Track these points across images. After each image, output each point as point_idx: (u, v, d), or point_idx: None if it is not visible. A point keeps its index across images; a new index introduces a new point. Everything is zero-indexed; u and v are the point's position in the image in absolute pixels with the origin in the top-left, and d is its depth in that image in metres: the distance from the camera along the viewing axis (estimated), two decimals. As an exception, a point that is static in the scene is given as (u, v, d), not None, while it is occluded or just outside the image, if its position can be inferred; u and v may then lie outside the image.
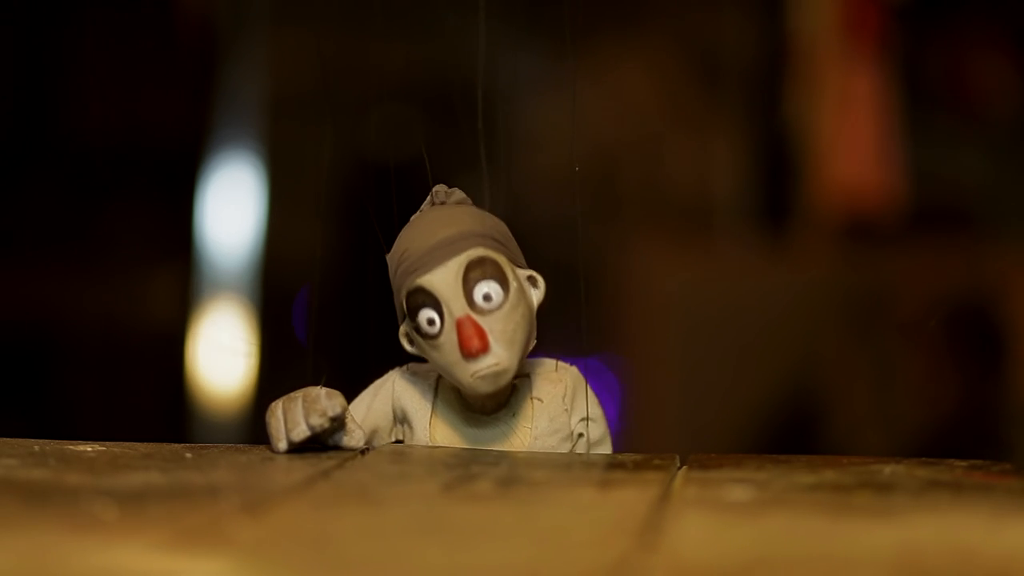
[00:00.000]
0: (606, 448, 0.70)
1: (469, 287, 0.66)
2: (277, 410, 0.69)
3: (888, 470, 0.66)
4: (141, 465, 0.65)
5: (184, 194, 1.73)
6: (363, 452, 0.70)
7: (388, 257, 0.68)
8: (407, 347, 0.69)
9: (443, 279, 0.66)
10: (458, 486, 0.61)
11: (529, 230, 1.73)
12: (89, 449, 0.69)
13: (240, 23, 1.76)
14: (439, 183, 0.70)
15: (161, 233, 1.75)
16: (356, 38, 1.79)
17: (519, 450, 0.69)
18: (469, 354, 0.65)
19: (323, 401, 0.68)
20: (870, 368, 1.79)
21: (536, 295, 0.68)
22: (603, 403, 0.73)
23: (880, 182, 1.75)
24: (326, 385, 0.70)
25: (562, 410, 0.69)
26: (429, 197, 0.69)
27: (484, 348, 0.65)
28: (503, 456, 0.69)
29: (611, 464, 0.68)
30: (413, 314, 0.66)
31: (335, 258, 1.78)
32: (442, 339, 0.66)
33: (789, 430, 1.78)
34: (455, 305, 0.66)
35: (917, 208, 1.76)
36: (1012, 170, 1.79)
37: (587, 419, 0.70)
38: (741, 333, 1.72)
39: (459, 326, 0.65)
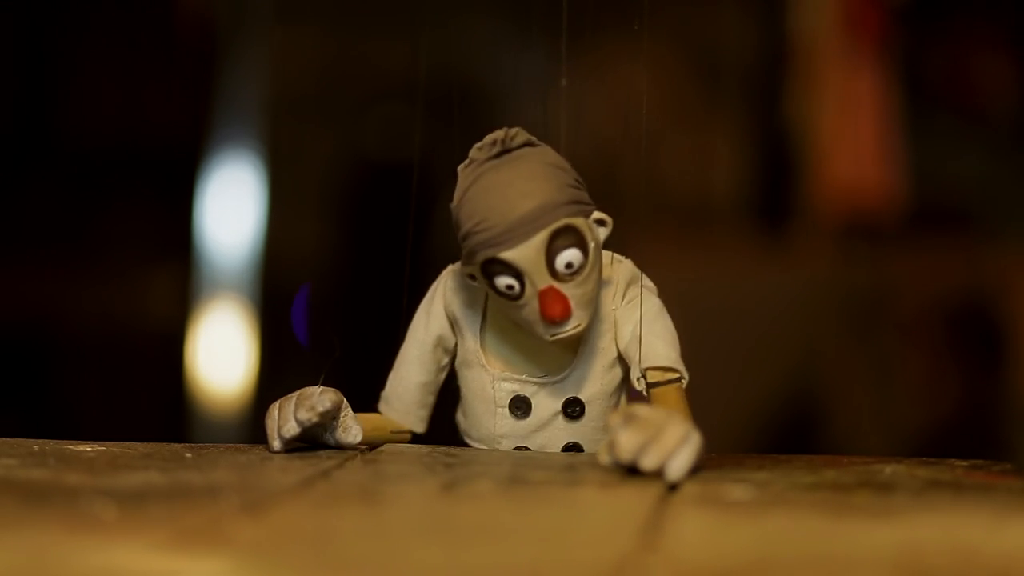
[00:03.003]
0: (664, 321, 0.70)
1: (552, 257, 0.66)
2: (273, 410, 0.69)
3: (888, 470, 0.66)
4: (141, 465, 0.65)
5: (184, 194, 1.72)
6: (363, 451, 0.70)
7: (455, 212, 0.67)
8: (470, 282, 0.68)
9: (526, 255, 0.65)
10: (458, 486, 0.61)
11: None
12: (89, 449, 0.69)
13: (240, 23, 1.76)
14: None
15: (161, 233, 1.75)
16: (356, 38, 1.79)
17: (567, 366, 0.69)
18: (552, 321, 0.66)
19: (314, 397, 0.68)
20: (870, 368, 1.79)
21: (604, 233, 0.68)
22: None
23: (880, 182, 1.75)
24: (325, 383, 0.70)
25: (610, 310, 0.69)
26: (492, 141, 0.67)
27: (567, 315, 0.66)
28: (504, 456, 0.69)
29: (611, 464, 0.68)
30: (490, 277, 0.66)
31: (335, 258, 1.78)
32: (522, 302, 0.66)
33: (789, 430, 1.78)
34: (538, 277, 0.66)
35: (917, 208, 1.76)
36: (1012, 170, 1.79)
37: (640, 321, 0.69)
38: (741, 333, 1.72)
39: (542, 296, 0.66)
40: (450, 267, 0.71)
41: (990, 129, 1.80)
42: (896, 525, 0.54)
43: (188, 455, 0.68)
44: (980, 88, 1.80)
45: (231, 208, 1.74)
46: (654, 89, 1.79)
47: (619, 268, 0.70)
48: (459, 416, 0.72)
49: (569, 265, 0.66)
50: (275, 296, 1.76)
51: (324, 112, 1.79)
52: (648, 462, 0.62)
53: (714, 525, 0.54)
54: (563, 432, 0.70)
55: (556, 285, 0.66)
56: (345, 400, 0.70)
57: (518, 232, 0.65)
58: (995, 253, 1.78)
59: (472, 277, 0.67)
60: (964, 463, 0.68)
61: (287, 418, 0.68)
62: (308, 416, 0.68)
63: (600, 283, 0.68)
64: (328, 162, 1.80)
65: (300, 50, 1.79)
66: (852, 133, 1.74)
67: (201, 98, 1.72)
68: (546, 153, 0.68)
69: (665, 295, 0.71)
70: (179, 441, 0.73)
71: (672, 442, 0.62)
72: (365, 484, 0.62)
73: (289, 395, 0.69)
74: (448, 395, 0.73)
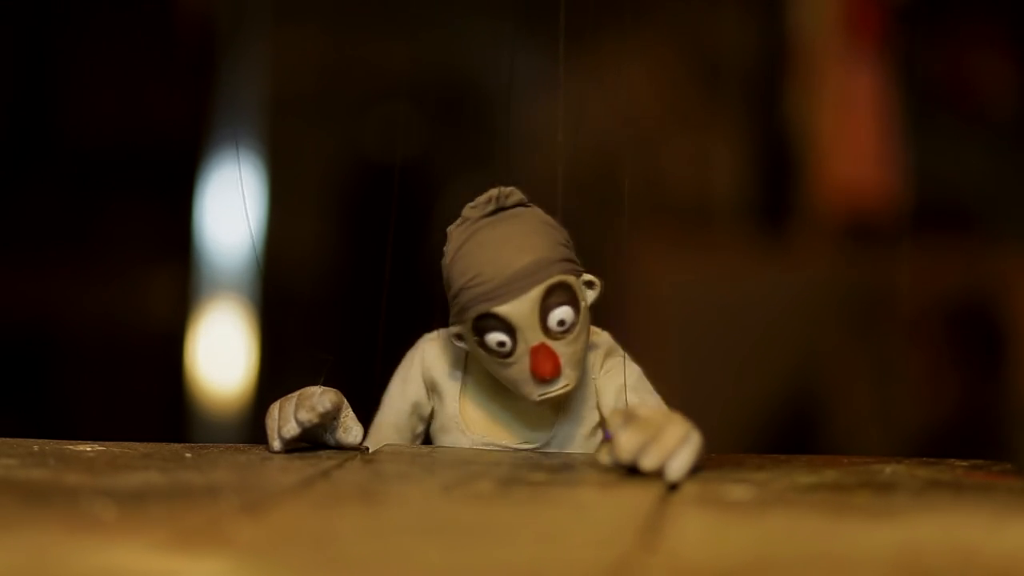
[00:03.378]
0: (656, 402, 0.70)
1: (545, 314, 0.66)
2: (274, 410, 0.69)
3: (888, 470, 0.66)
4: (140, 465, 0.65)
5: (184, 194, 1.72)
6: (363, 451, 0.70)
7: (446, 270, 0.67)
8: (455, 343, 0.69)
9: (520, 311, 0.66)
10: (458, 486, 0.61)
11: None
12: (88, 449, 0.69)
13: (240, 23, 1.76)
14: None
15: (161, 233, 1.75)
16: (356, 38, 1.79)
17: (547, 432, 0.69)
18: (542, 379, 0.66)
19: (314, 397, 0.68)
20: (870, 368, 1.79)
21: (592, 296, 0.68)
22: None
23: (880, 181, 1.75)
24: (326, 383, 0.70)
25: (591, 379, 0.69)
26: (487, 200, 0.68)
27: (557, 373, 0.66)
28: (503, 456, 0.69)
29: (611, 463, 0.68)
30: (480, 333, 0.66)
31: (335, 258, 1.78)
32: (512, 360, 0.66)
33: (789, 430, 1.78)
34: (531, 334, 0.66)
35: (917, 208, 1.76)
36: (1012, 170, 1.79)
37: (625, 386, 0.69)
38: (741, 333, 1.72)
39: (534, 353, 0.66)
40: (426, 336, 0.71)
41: (990, 129, 1.80)
42: (896, 525, 0.54)
43: (188, 455, 0.68)
44: (980, 88, 1.80)
45: (231, 208, 1.74)
46: (654, 89, 1.80)
47: (597, 339, 0.70)
48: None
49: (562, 323, 0.66)
50: (275, 296, 1.76)
51: (324, 112, 1.79)
52: (648, 462, 0.62)
53: (714, 525, 0.54)
54: None
55: (548, 342, 0.66)
56: (346, 401, 0.70)
57: (514, 287, 0.66)
58: (995, 253, 1.78)
59: (459, 337, 0.68)
60: (964, 463, 0.68)
61: (287, 418, 0.68)
62: (308, 417, 0.68)
63: (587, 346, 0.68)
64: (328, 162, 1.80)
65: (300, 50, 1.79)
66: (852, 133, 1.74)
67: (201, 98, 1.72)
68: (538, 212, 0.68)
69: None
70: (179, 441, 0.72)
71: (672, 442, 0.62)
72: (365, 484, 0.62)
73: (289, 395, 0.69)
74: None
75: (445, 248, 0.68)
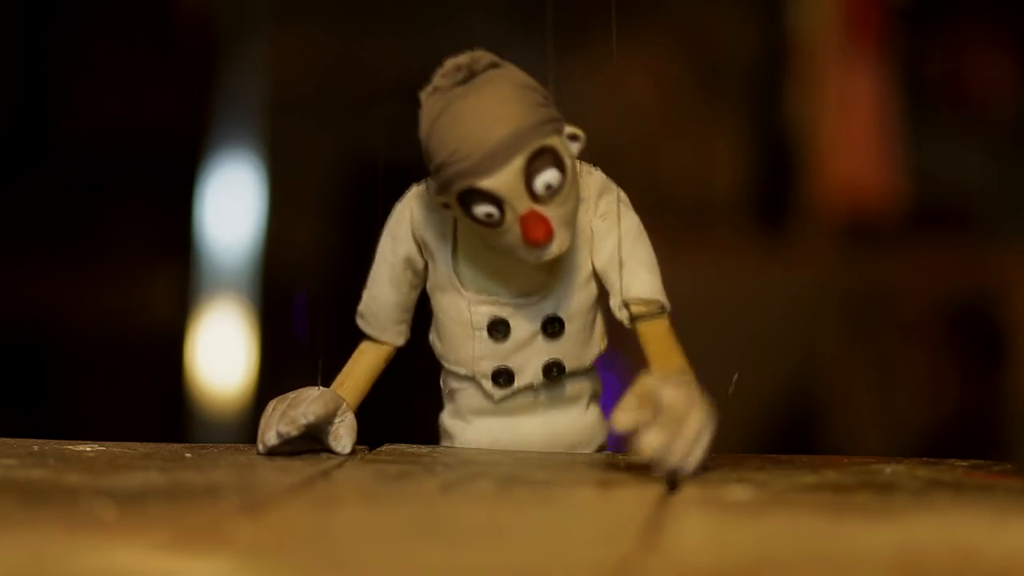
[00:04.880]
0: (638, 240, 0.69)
1: (531, 180, 0.64)
2: (267, 411, 0.68)
3: (889, 470, 0.66)
4: (140, 465, 0.65)
5: (183, 194, 1.72)
6: (362, 452, 0.69)
7: (424, 142, 0.65)
8: (443, 209, 0.67)
9: (504, 182, 0.64)
10: (458, 486, 0.61)
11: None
12: (88, 449, 0.69)
13: (239, 23, 1.76)
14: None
15: (161, 233, 1.75)
16: (355, 38, 1.79)
17: (543, 280, 0.68)
18: (535, 245, 0.65)
19: (301, 407, 0.67)
20: (870, 368, 1.79)
21: (577, 148, 0.67)
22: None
23: (880, 181, 1.75)
24: (323, 383, 0.69)
25: (585, 224, 0.68)
26: (456, 67, 0.66)
27: (550, 238, 0.65)
28: (503, 456, 0.69)
29: (611, 464, 0.68)
30: (467, 206, 0.65)
31: (334, 257, 1.78)
32: (502, 229, 0.65)
33: (789, 430, 1.78)
34: (518, 203, 0.64)
35: (917, 207, 1.76)
36: (1013, 169, 1.79)
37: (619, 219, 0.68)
38: (741, 333, 1.72)
39: (523, 221, 0.64)
40: (415, 189, 0.70)
41: (990, 128, 1.80)
42: (896, 526, 0.54)
43: (188, 455, 0.68)
44: (980, 87, 1.80)
45: (231, 208, 1.74)
46: (654, 89, 1.79)
47: (590, 179, 0.68)
48: (433, 339, 0.71)
49: (548, 186, 0.65)
50: (275, 296, 1.76)
51: (324, 112, 1.79)
52: (672, 461, 0.61)
53: (714, 525, 0.54)
54: (543, 350, 0.69)
55: (537, 208, 0.64)
56: (345, 405, 0.69)
57: (495, 160, 0.64)
58: (995, 253, 1.78)
59: (446, 206, 0.66)
60: (964, 463, 0.68)
61: (270, 426, 0.67)
62: (287, 430, 0.67)
63: (578, 200, 0.67)
64: (327, 162, 1.80)
65: (299, 50, 1.79)
66: (852, 133, 1.74)
67: (201, 98, 1.72)
68: (513, 73, 0.66)
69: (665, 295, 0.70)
70: (179, 441, 0.72)
71: (693, 434, 0.61)
72: (365, 484, 0.62)
73: (285, 395, 0.69)
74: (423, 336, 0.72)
75: (420, 118, 0.66)
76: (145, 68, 1.74)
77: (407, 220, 0.69)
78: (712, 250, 1.78)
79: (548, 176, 0.65)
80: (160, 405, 1.75)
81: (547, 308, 0.68)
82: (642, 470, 0.65)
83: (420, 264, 0.70)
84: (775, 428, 1.76)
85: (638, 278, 0.68)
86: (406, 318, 0.71)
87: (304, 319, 1.75)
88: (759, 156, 1.82)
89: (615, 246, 0.68)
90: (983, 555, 0.49)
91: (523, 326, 0.68)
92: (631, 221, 0.69)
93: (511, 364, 0.69)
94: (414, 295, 0.71)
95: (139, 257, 1.75)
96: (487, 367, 0.69)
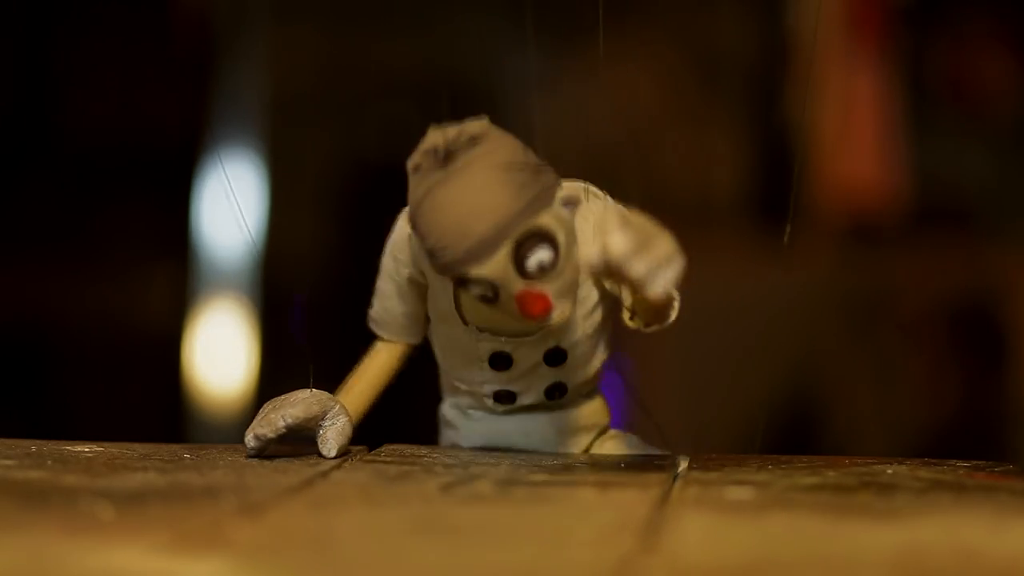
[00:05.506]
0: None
1: (521, 263, 0.63)
2: (258, 413, 0.68)
3: (890, 471, 0.66)
4: (139, 466, 0.65)
5: (182, 194, 1.72)
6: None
7: (412, 222, 0.64)
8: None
9: (493, 269, 0.63)
10: (458, 486, 0.61)
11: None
12: (87, 450, 0.69)
13: (239, 23, 1.76)
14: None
15: (160, 233, 1.75)
16: (355, 38, 1.79)
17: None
18: (533, 320, 0.64)
19: (282, 410, 0.67)
20: (871, 368, 1.79)
21: (570, 211, 0.65)
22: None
23: (882, 181, 1.74)
24: (332, 385, 0.69)
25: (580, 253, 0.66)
26: (433, 149, 0.64)
27: (548, 312, 0.64)
28: (503, 456, 0.68)
29: (612, 464, 0.68)
30: (463, 286, 0.64)
31: (334, 257, 1.78)
32: (498, 306, 0.64)
33: (790, 430, 1.78)
34: (511, 285, 0.63)
35: (919, 207, 1.76)
36: (1015, 169, 1.79)
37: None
38: (742, 333, 1.72)
39: (519, 300, 0.64)
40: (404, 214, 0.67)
41: (992, 128, 1.80)
42: (898, 526, 0.54)
43: (187, 456, 0.68)
44: (983, 87, 1.80)
45: (229, 208, 1.74)
46: (654, 88, 1.79)
47: (589, 216, 0.66)
48: (434, 344, 0.70)
49: (541, 265, 0.63)
50: (274, 296, 1.76)
51: (323, 112, 1.79)
52: (637, 269, 0.60)
53: (714, 526, 0.54)
54: (546, 375, 0.69)
55: (531, 286, 0.64)
56: (335, 408, 0.68)
57: (481, 251, 0.63)
58: (997, 253, 1.78)
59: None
60: (966, 464, 0.68)
61: (252, 429, 0.67)
62: (264, 432, 0.67)
63: (578, 263, 0.65)
64: (327, 162, 1.80)
65: (299, 50, 1.79)
66: (854, 132, 1.74)
67: (200, 98, 1.72)
68: (494, 150, 0.64)
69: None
70: (178, 441, 0.72)
71: (662, 253, 0.61)
72: (364, 484, 0.62)
73: (278, 397, 0.68)
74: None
75: (409, 201, 0.64)
76: (144, 68, 1.74)
77: (406, 243, 0.68)
78: (712, 250, 1.78)
79: (539, 256, 0.63)
80: (159, 405, 1.75)
81: (550, 341, 0.68)
82: (642, 471, 0.65)
83: (424, 284, 0.69)
84: (776, 428, 1.76)
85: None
86: (420, 319, 0.70)
87: (303, 319, 1.75)
88: (760, 155, 1.82)
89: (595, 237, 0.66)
90: (985, 556, 0.49)
91: (526, 357, 0.68)
92: (597, 206, 0.67)
93: (513, 388, 0.69)
94: (424, 304, 0.70)
95: (138, 257, 1.74)
96: (489, 390, 0.69)
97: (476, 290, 0.64)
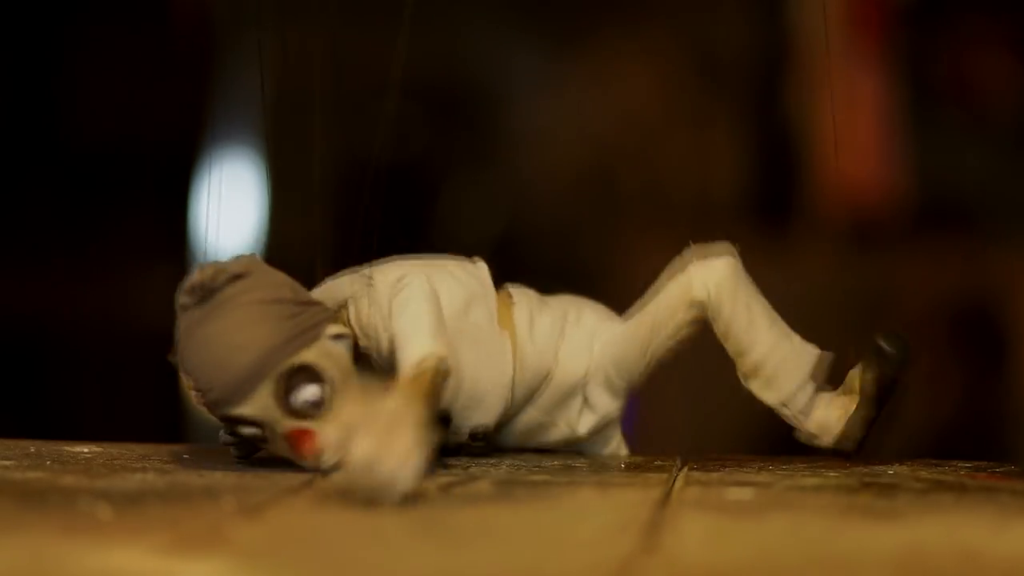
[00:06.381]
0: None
1: (286, 402, 0.62)
2: None
3: (891, 471, 0.66)
4: (138, 466, 0.65)
5: (182, 194, 1.72)
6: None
7: (178, 363, 0.63)
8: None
9: (256, 407, 0.62)
10: (458, 486, 0.61)
11: (529, 230, 1.73)
12: (86, 450, 0.69)
13: (239, 22, 1.76)
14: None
15: (159, 233, 1.75)
16: (355, 37, 1.79)
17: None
18: (305, 460, 0.62)
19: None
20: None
21: (344, 345, 0.63)
22: None
23: (883, 181, 1.74)
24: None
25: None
26: (191, 288, 0.63)
27: (318, 451, 0.62)
28: (503, 456, 0.68)
29: (611, 465, 0.67)
30: (233, 425, 0.63)
31: (334, 257, 1.78)
32: (273, 444, 0.63)
33: (790, 430, 1.78)
34: (279, 424, 0.62)
35: (920, 207, 1.76)
36: (1016, 169, 1.78)
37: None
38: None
39: (289, 440, 0.62)
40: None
41: (994, 128, 1.80)
42: (899, 527, 0.54)
43: (186, 456, 0.68)
44: (984, 87, 1.80)
45: (230, 208, 1.74)
46: (655, 88, 1.79)
47: (373, 309, 0.65)
48: None
49: (312, 403, 0.62)
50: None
51: (324, 111, 1.79)
52: (377, 476, 0.56)
53: (715, 527, 0.54)
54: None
55: (302, 425, 0.62)
56: None
57: (241, 389, 0.62)
58: (999, 253, 1.77)
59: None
60: (967, 464, 0.68)
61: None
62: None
63: (364, 402, 0.62)
64: (328, 162, 1.80)
65: (299, 49, 1.79)
66: (855, 132, 1.74)
67: (200, 98, 1.72)
68: (256, 287, 0.63)
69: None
70: (177, 442, 0.72)
71: (404, 446, 0.56)
72: (364, 485, 0.62)
73: None
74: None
75: (175, 335, 0.64)
76: (144, 68, 1.74)
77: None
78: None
79: (306, 393, 0.62)
80: (158, 405, 1.75)
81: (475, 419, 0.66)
82: (642, 471, 0.65)
83: None
84: (776, 429, 1.75)
85: (405, 353, 0.62)
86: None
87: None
88: (760, 156, 1.81)
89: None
90: (986, 556, 0.49)
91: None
92: (383, 298, 0.65)
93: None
94: None
95: (138, 257, 1.74)
96: (462, 435, 0.67)
97: (246, 430, 0.63)
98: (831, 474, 0.65)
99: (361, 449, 0.56)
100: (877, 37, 1.75)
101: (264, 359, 0.62)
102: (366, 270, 0.65)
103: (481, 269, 0.67)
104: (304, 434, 0.62)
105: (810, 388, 0.67)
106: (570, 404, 0.68)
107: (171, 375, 0.65)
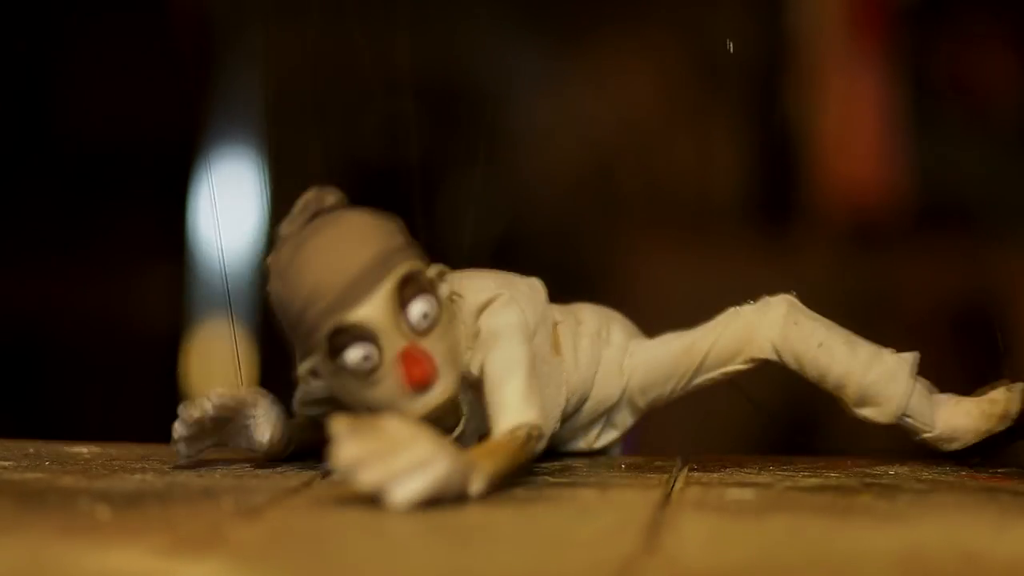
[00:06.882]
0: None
1: (405, 308, 0.59)
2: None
3: (892, 472, 0.66)
4: (137, 467, 0.65)
5: (182, 195, 1.72)
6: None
7: (278, 299, 0.60)
8: (311, 382, 0.62)
9: (375, 312, 0.58)
10: (457, 488, 0.61)
11: (529, 231, 1.73)
12: (85, 450, 0.69)
13: (238, 22, 1.76)
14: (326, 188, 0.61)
15: (158, 234, 1.75)
16: (354, 37, 1.79)
17: (456, 415, 0.62)
18: (417, 387, 0.59)
19: (189, 407, 0.66)
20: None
21: (445, 289, 0.61)
22: None
23: (883, 181, 1.74)
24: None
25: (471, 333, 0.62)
26: (304, 208, 0.61)
27: (433, 378, 0.59)
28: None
29: (611, 465, 0.67)
30: (338, 352, 0.59)
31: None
32: (380, 375, 0.59)
33: (790, 431, 1.78)
34: (395, 336, 0.59)
35: (921, 207, 1.75)
36: (1016, 169, 1.78)
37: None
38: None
39: (404, 359, 0.58)
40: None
41: (995, 128, 1.80)
42: (900, 527, 0.53)
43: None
44: (984, 87, 1.80)
45: (230, 208, 1.74)
46: (654, 88, 1.79)
47: (464, 304, 0.62)
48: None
49: (425, 315, 0.59)
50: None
51: (322, 112, 1.79)
52: (365, 477, 0.54)
53: (715, 527, 0.54)
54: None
55: (416, 341, 0.59)
56: (269, 400, 0.66)
57: (361, 286, 0.58)
58: (1000, 253, 1.77)
59: (314, 374, 0.61)
60: (968, 465, 0.68)
61: (177, 423, 0.65)
62: (191, 413, 0.65)
63: (456, 337, 0.60)
64: (327, 162, 1.80)
65: (298, 50, 1.79)
66: (855, 132, 1.74)
67: (199, 98, 1.72)
68: (364, 211, 0.61)
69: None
70: (176, 443, 0.72)
71: (403, 463, 0.54)
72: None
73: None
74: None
75: (270, 280, 0.61)
76: (143, 68, 1.74)
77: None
78: (713, 250, 1.78)
79: (422, 303, 0.59)
80: (158, 406, 1.75)
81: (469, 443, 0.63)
82: (642, 471, 0.65)
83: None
84: (776, 429, 1.75)
85: (510, 407, 0.60)
86: None
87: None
88: (760, 156, 1.81)
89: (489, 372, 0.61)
90: (987, 557, 0.49)
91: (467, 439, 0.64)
92: (514, 314, 0.62)
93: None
94: None
95: (138, 257, 1.74)
96: None
97: (355, 353, 0.59)
98: (831, 474, 0.65)
99: (348, 449, 0.54)
100: (877, 37, 1.75)
101: (386, 255, 0.59)
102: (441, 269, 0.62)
103: (541, 292, 0.65)
104: (418, 353, 0.59)
105: (919, 391, 0.66)
106: (596, 423, 0.68)
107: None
